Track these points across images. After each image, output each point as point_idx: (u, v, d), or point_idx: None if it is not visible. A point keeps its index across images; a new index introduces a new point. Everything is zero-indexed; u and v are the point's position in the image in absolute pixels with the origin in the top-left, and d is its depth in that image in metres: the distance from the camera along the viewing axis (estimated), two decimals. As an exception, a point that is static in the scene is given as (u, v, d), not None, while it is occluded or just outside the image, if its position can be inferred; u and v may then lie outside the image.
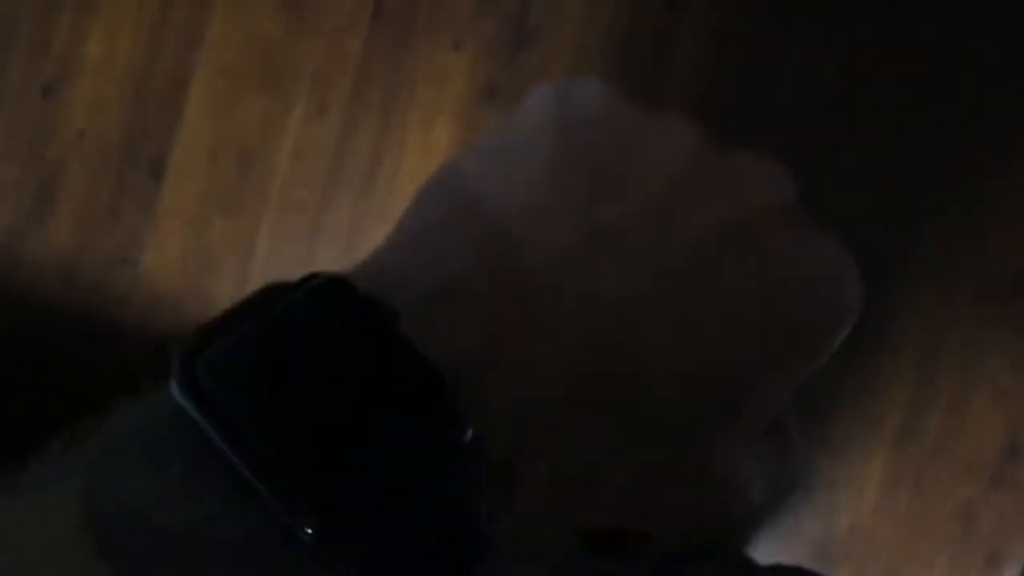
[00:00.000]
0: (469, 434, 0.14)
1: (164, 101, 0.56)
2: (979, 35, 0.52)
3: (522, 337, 0.16)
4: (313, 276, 0.16)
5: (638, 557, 0.37)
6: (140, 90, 0.56)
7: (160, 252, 0.55)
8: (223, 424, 0.13)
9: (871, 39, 0.53)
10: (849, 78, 0.53)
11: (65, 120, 0.56)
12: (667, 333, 0.17)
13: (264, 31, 0.55)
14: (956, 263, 0.55)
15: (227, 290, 0.53)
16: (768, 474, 0.19)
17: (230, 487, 0.13)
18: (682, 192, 0.18)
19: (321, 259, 0.55)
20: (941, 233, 0.54)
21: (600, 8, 0.55)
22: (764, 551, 0.54)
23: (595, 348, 0.16)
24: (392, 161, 0.55)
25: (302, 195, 0.55)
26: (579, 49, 0.54)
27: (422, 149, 0.54)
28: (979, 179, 0.55)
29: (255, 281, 0.47)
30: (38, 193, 0.57)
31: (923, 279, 0.54)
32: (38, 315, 0.56)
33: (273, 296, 0.15)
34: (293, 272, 0.16)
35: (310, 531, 0.13)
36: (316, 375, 0.14)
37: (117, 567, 0.13)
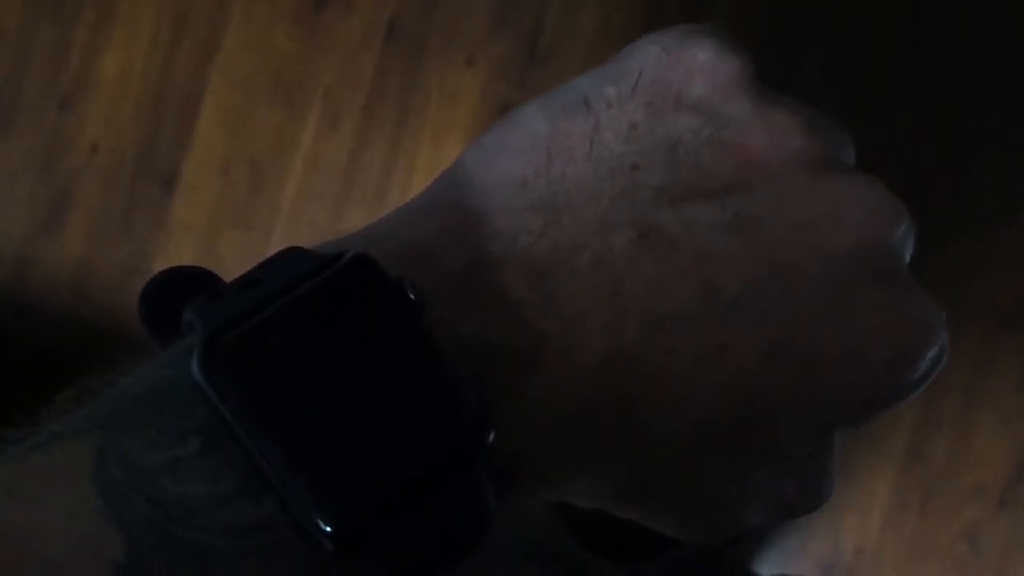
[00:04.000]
0: (491, 436, 0.14)
1: (178, 115, 0.56)
2: (988, 92, 0.53)
3: (546, 340, 0.15)
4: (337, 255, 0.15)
5: (645, 566, 0.37)
6: (154, 104, 0.56)
7: (171, 263, 0.55)
8: (244, 413, 0.13)
9: (873, 73, 0.53)
10: (858, 103, 0.54)
11: (80, 133, 0.57)
12: (709, 364, 0.15)
13: (278, 47, 0.56)
14: (964, 287, 0.55)
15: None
16: (778, 498, 0.17)
17: (248, 471, 0.13)
18: (775, 204, 0.16)
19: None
20: (949, 259, 0.55)
21: (612, 29, 0.55)
22: (769, 570, 0.54)
23: (622, 367, 0.15)
24: (403, 176, 0.55)
25: (313, 209, 0.55)
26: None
27: (433, 164, 0.55)
28: (988, 205, 0.55)
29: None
30: (52, 204, 0.57)
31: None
32: (49, 324, 0.57)
33: (296, 266, 0.15)
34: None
35: (329, 530, 0.13)
36: (340, 368, 0.14)
37: (129, 534, 0.13)
